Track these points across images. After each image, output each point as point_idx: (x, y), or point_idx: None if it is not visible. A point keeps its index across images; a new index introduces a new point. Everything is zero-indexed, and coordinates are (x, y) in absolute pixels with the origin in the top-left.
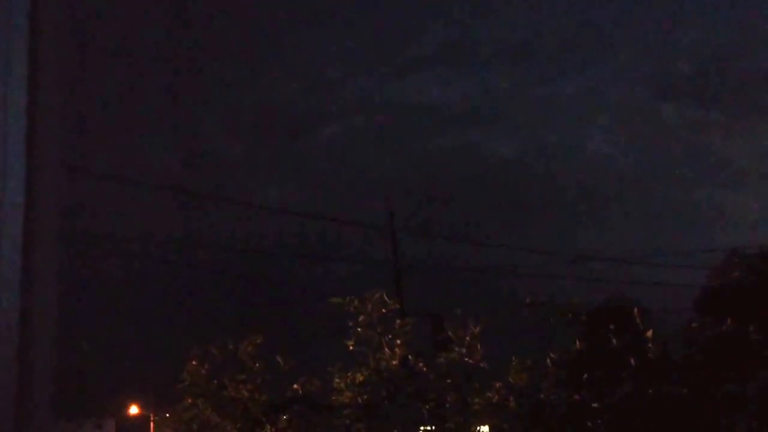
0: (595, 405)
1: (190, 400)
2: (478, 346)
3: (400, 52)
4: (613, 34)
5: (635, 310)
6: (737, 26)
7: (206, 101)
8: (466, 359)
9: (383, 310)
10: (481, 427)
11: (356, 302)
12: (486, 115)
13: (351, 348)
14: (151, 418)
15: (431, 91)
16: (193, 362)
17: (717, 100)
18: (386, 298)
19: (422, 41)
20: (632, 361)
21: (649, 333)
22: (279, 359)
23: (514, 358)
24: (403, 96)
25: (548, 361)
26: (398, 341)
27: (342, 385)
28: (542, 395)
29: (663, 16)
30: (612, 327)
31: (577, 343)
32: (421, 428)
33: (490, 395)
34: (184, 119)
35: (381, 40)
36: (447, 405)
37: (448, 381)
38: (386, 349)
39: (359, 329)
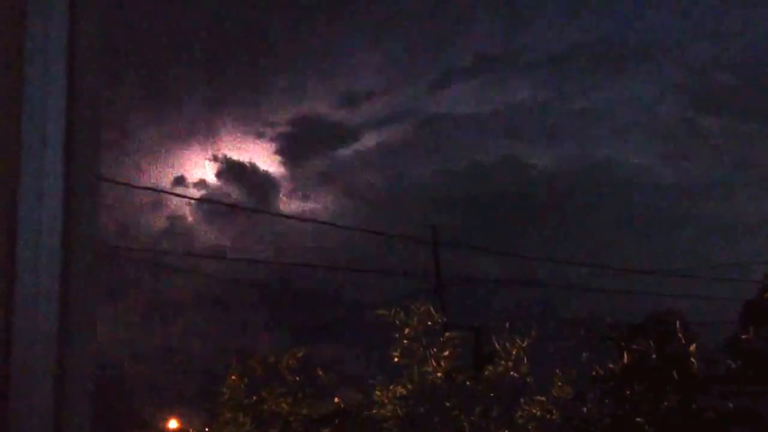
0: (639, 419)
1: (229, 415)
2: (525, 360)
3: (439, 64)
4: (652, 46)
5: (677, 324)
6: None
7: (246, 112)
8: (512, 373)
9: (429, 323)
10: None
11: (402, 314)
12: (525, 126)
13: (396, 360)
14: None
15: (469, 102)
16: (233, 376)
17: (762, 113)
18: (433, 311)
19: (460, 53)
20: (675, 375)
21: (693, 347)
22: (320, 372)
23: (557, 372)
24: (441, 107)
25: (593, 374)
26: (445, 353)
27: (383, 398)
28: (586, 409)
29: (703, 28)
30: (653, 342)
31: (625, 356)
32: None
33: (534, 410)
34: (222, 128)
35: (419, 51)
36: (490, 419)
37: (492, 395)
38: (432, 362)
39: (405, 341)
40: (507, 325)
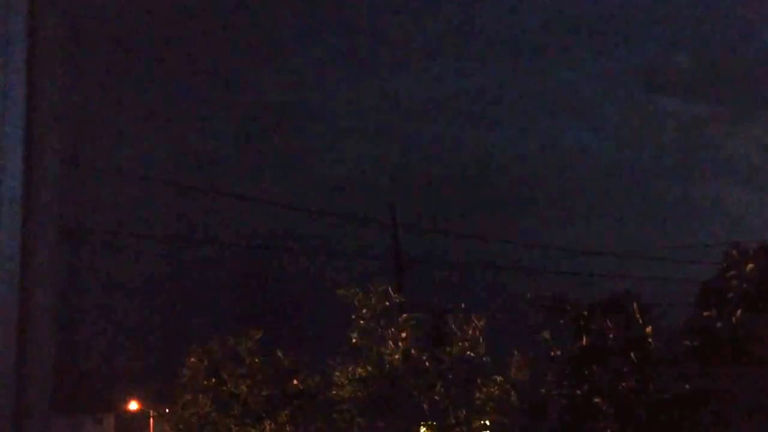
0: (596, 400)
1: (189, 396)
2: (481, 340)
3: (396, 47)
4: (608, 27)
5: (634, 305)
6: (737, 18)
7: (208, 98)
8: (469, 353)
9: (386, 303)
10: (484, 422)
11: (360, 294)
12: (482, 109)
13: (354, 341)
14: (150, 414)
15: (428, 85)
16: (193, 358)
17: (718, 94)
18: (390, 292)
19: (415, 37)
20: (633, 356)
21: (649, 329)
22: (279, 354)
23: (516, 353)
24: (399, 90)
25: (551, 355)
26: (402, 335)
27: (342, 379)
28: (544, 390)
29: (658, 9)
30: (609, 324)
31: (584, 339)
32: (422, 423)
33: (492, 390)
34: (183, 116)
35: (378, 35)
36: (449, 399)
37: (450, 377)
38: (390, 343)
39: (362, 321)
40: (462, 305)
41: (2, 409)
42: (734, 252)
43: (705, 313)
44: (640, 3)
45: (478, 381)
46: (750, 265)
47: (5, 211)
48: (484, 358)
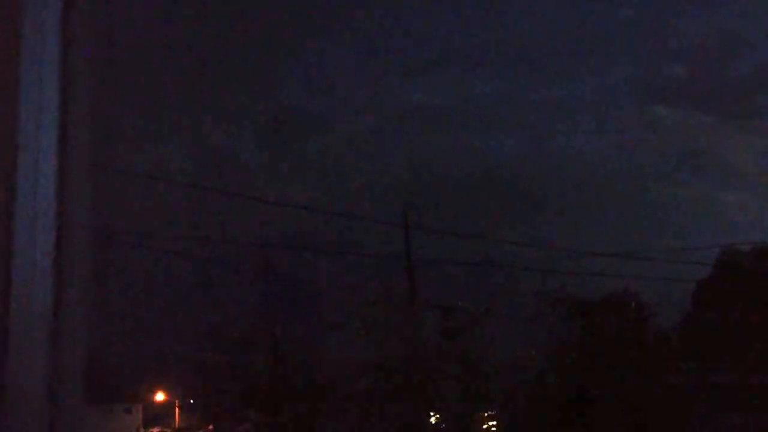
0: (596, 391)
1: (212, 387)
2: (482, 333)
3: (405, 57)
4: (603, 38)
5: (633, 304)
6: (728, 29)
7: (224, 102)
8: (473, 346)
9: (395, 301)
10: (489, 419)
11: (369, 294)
12: (488, 117)
13: (365, 334)
14: (176, 404)
15: (433, 94)
16: (216, 352)
17: (711, 103)
18: (394, 287)
19: (424, 47)
20: (631, 351)
21: (647, 326)
22: (297, 347)
23: (518, 348)
24: (408, 99)
25: (554, 348)
26: (409, 329)
27: (357, 371)
28: (548, 382)
29: (653, 20)
30: (611, 319)
31: (584, 333)
32: (432, 412)
33: (497, 380)
34: (202, 119)
35: (386, 45)
36: (458, 390)
37: (458, 369)
38: (397, 337)
39: (372, 317)
40: (459, 303)
41: (37, 399)
42: (729, 253)
43: (704, 312)
44: (638, 15)
45: (482, 371)
46: (745, 266)
47: (40, 208)
48: (488, 350)
